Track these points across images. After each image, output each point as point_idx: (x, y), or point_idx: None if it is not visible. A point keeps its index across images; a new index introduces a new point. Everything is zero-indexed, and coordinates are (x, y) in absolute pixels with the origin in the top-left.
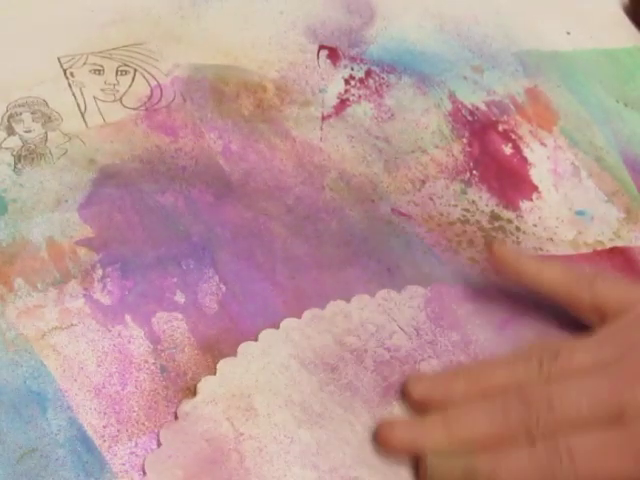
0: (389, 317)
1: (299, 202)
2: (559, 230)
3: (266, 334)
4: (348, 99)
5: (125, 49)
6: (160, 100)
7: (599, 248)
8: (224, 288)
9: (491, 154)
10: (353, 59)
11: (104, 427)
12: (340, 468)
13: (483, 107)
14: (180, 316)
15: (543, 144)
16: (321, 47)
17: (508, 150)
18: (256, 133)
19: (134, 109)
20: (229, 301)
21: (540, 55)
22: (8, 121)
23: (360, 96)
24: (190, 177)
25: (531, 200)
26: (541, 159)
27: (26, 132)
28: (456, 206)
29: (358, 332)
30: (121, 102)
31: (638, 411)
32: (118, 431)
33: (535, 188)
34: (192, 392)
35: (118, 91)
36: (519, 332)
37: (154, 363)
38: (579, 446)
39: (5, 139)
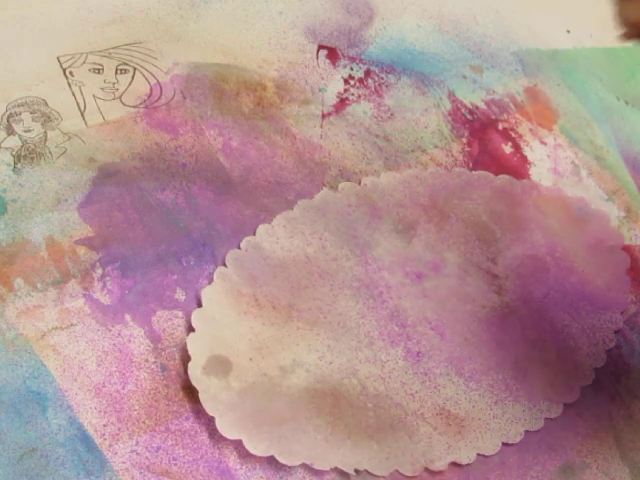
0: None
1: (299, 198)
2: None
3: None
4: (348, 98)
5: (124, 48)
6: (160, 98)
7: None
8: None
9: (490, 153)
10: (352, 59)
11: (104, 426)
12: None
13: (483, 106)
14: (180, 314)
15: (543, 143)
16: (320, 47)
17: (508, 149)
18: (256, 130)
19: (134, 107)
20: None
21: (540, 54)
22: (7, 121)
23: (360, 96)
24: (190, 174)
25: None
26: (541, 158)
27: (25, 132)
28: None
29: None
30: (121, 100)
31: None
32: (119, 430)
33: None
34: (192, 391)
35: (118, 90)
36: None
37: (154, 362)
38: None
39: (5, 139)
